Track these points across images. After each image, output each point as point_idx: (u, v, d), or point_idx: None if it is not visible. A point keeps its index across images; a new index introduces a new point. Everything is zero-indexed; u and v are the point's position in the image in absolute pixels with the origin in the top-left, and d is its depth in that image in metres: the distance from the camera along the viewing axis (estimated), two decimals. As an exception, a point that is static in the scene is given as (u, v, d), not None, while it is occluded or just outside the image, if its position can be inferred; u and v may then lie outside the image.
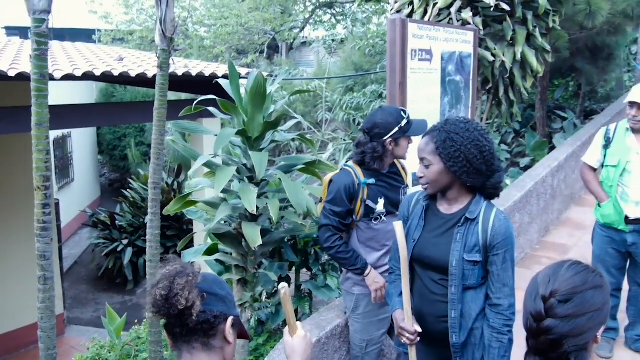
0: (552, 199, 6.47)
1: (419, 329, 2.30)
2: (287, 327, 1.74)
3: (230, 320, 1.48)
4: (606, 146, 3.82)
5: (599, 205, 3.82)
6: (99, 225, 10.96)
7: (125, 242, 10.35)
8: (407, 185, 2.93)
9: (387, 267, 2.80)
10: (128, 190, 11.40)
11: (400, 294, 2.41)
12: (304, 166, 3.53)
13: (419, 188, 2.42)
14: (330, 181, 2.89)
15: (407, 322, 2.30)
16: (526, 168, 7.43)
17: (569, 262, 1.43)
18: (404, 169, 2.95)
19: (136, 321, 5.03)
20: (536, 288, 1.41)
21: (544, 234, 6.31)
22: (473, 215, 2.23)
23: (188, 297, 1.38)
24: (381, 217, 2.83)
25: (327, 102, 11.28)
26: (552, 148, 8.13)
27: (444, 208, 2.33)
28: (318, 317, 3.17)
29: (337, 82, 12.48)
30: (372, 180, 2.81)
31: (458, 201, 2.29)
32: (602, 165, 3.88)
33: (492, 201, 2.32)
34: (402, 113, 2.80)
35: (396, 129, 2.75)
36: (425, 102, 3.98)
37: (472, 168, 2.17)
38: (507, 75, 6.25)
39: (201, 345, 1.43)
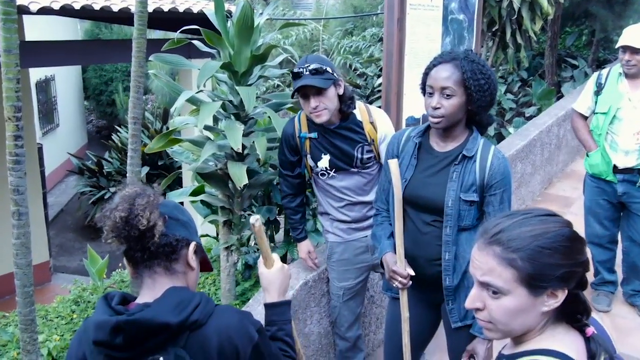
0: (557, 149, 6.44)
1: (412, 272, 2.30)
2: (261, 259, 1.73)
3: (192, 245, 1.48)
4: (597, 92, 3.76)
5: (587, 155, 3.80)
6: (85, 172, 10.95)
7: (112, 189, 10.36)
8: (372, 141, 2.78)
9: (347, 219, 2.90)
10: (116, 134, 11.33)
11: (390, 236, 2.41)
12: (292, 104, 3.46)
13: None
14: None
15: (400, 265, 2.30)
16: (532, 118, 7.36)
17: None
18: (372, 123, 2.79)
19: (120, 265, 5.08)
20: None
21: (546, 185, 6.31)
22: (470, 153, 2.21)
23: (150, 217, 1.37)
24: (328, 174, 2.83)
25: (324, 46, 11.09)
26: (561, 97, 8.05)
27: (439, 146, 2.30)
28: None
29: (335, 25, 12.24)
30: (313, 135, 2.80)
31: (455, 138, 2.26)
32: (593, 113, 3.83)
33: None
34: (301, 63, 2.66)
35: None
36: (424, 42, 3.88)
37: (491, 104, 2.17)
38: (515, 16, 6.11)
39: (163, 270, 1.43)
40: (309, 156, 2.84)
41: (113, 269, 5.18)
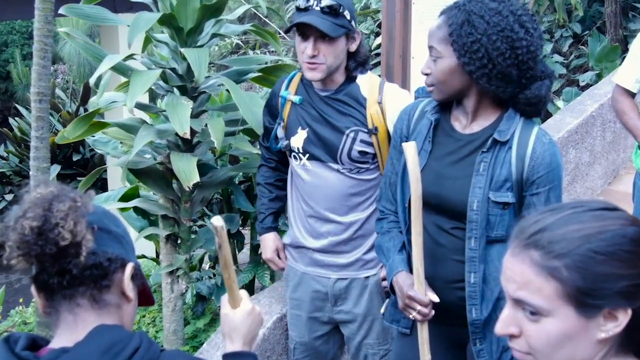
0: (625, 130, 6.48)
1: (436, 299, 2.29)
2: (226, 295, 1.75)
3: (129, 267, 1.48)
4: None
5: (639, 148, 3.76)
6: (-30, 173, 10.85)
7: (9, 197, 10.28)
8: (374, 130, 2.72)
9: (306, 243, 2.88)
10: (14, 119, 11.24)
11: (402, 248, 2.43)
12: (260, 73, 3.48)
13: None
14: None
15: (418, 288, 2.29)
16: (588, 87, 7.43)
17: None
18: (380, 105, 2.73)
19: (21, 300, 5.04)
20: None
21: (610, 179, 6.36)
22: (504, 137, 2.22)
23: (74, 228, 1.36)
24: (299, 158, 2.83)
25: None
26: (627, 58, 8.10)
27: (461, 125, 2.32)
28: (281, 287, 3.21)
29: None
30: (296, 98, 2.81)
31: (481, 116, 2.28)
32: None
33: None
34: None
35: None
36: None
37: (496, 70, 2.14)
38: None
39: (89, 301, 1.43)
40: (282, 125, 2.85)
41: (10, 307, 5.13)
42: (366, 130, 2.72)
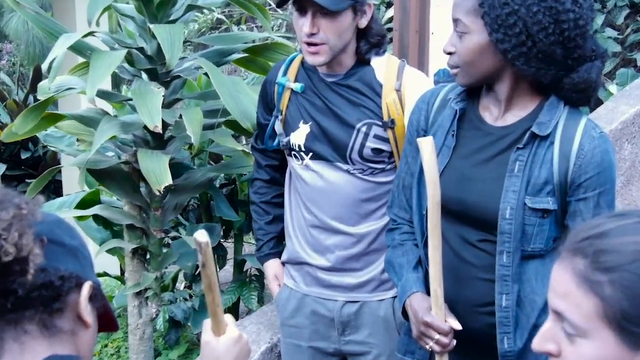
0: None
1: (458, 326, 2.30)
2: (209, 320, 1.75)
3: (87, 286, 1.48)
4: None
5: None
6: None
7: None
8: (390, 123, 2.71)
9: (309, 259, 2.88)
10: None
11: (417, 265, 2.44)
12: (246, 54, 3.49)
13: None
14: None
15: (437, 313, 2.29)
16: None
17: None
18: (399, 92, 2.73)
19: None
20: None
21: (674, 181, 6.37)
22: (545, 130, 2.22)
23: (19, 241, 1.35)
24: (301, 158, 2.82)
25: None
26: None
27: (492, 116, 2.33)
28: (271, 311, 3.22)
29: None
30: (296, 86, 2.79)
31: (517, 104, 2.29)
32: None
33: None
34: None
35: None
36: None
37: (536, 49, 2.14)
38: None
39: (38, 327, 1.43)
40: (280, 118, 2.84)
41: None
42: (381, 124, 2.72)
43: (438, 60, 3.75)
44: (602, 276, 1.22)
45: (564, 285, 1.26)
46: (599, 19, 8.56)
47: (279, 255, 3.06)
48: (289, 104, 2.83)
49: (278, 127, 2.85)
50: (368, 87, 2.73)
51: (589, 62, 2.20)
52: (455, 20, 2.22)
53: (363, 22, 2.66)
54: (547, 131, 2.21)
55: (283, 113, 2.84)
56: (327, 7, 2.51)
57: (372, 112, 2.72)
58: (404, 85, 2.71)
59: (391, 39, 4.04)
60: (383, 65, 2.74)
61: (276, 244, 3.06)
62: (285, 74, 2.84)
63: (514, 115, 2.28)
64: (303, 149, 2.79)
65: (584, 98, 2.25)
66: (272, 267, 3.06)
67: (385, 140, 2.72)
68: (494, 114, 2.31)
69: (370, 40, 2.70)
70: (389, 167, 2.78)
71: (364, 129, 2.71)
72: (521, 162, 2.22)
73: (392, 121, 2.70)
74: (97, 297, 1.52)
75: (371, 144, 2.71)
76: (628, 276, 1.20)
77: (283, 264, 3.03)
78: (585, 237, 1.26)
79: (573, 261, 1.25)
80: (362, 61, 2.74)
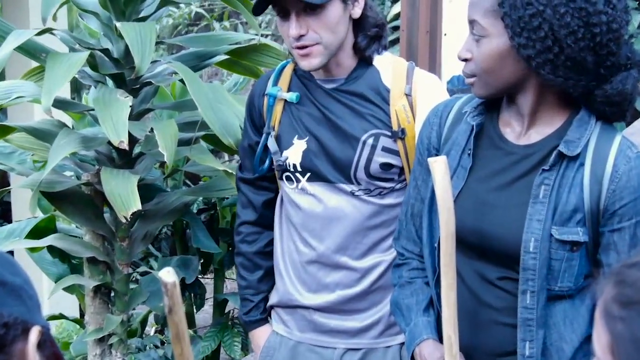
0: None
1: None
2: None
3: (34, 332, 1.47)
4: None
5: None
6: None
7: None
8: (401, 132, 2.72)
9: (304, 300, 2.88)
10: None
11: (428, 306, 2.47)
12: (228, 56, 3.50)
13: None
14: None
15: None
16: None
17: None
18: (409, 97, 2.74)
19: None
20: None
21: None
22: (574, 150, 2.24)
23: None
24: (296, 180, 2.83)
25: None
26: None
27: (514, 133, 2.36)
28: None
29: None
30: (290, 96, 2.81)
31: (543, 119, 2.32)
32: None
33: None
34: None
35: None
36: None
37: (564, 56, 2.16)
38: None
39: None
40: (272, 134, 2.84)
41: None
42: (390, 134, 2.73)
43: (451, 66, 3.65)
44: (617, 310, 1.27)
45: (598, 310, 1.31)
46: (635, 21, 8.60)
47: (268, 319, 3.06)
48: (281, 117, 2.85)
49: (272, 144, 2.84)
50: (374, 92, 2.75)
51: (623, 71, 2.23)
52: (472, 22, 2.25)
53: (357, 12, 2.69)
54: (577, 151, 2.24)
55: (275, 129, 2.85)
56: (310, 0, 2.54)
57: (379, 120, 2.73)
58: (414, 89, 2.74)
59: (397, 40, 3.96)
60: (389, 67, 2.77)
61: (266, 305, 3.03)
62: (275, 83, 2.86)
63: (539, 132, 2.32)
64: (299, 169, 2.79)
65: (619, 112, 2.28)
66: (262, 336, 3.03)
67: (395, 152, 2.73)
68: (516, 131, 2.34)
69: (368, 33, 2.72)
70: (398, 186, 2.78)
71: (370, 140, 2.72)
72: (547, 186, 2.24)
73: (403, 130, 2.71)
74: (47, 344, 1.50)
75: (379, 158, 2.72)
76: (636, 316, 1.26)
77: (272, 307, 3.00)
78: (623, 265, 1.31)
79: (605, 288, 1.30)
80: (363, 61, 2.76)
